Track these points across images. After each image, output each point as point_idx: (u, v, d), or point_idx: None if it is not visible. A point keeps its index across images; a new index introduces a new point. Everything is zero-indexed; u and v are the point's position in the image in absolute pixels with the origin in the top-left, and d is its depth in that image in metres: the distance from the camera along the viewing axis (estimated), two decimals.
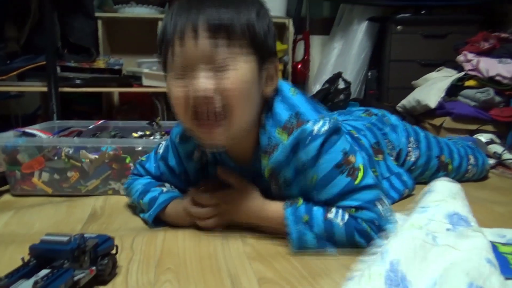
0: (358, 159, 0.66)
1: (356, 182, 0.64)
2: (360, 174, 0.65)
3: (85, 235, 0.53)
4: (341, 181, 0.64)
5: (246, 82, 0.61)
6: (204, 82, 0.59)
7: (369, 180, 0.65)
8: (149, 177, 0.82)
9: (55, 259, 0.50)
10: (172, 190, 0.79)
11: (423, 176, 1.05)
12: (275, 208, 0.68)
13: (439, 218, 0.56)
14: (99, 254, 0.53)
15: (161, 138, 1.12)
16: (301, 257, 0.63)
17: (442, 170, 1.05)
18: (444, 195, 0.61)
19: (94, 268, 0.52)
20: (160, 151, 0.82)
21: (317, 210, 0.65)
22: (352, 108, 1.21)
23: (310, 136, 0.63)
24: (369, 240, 0.62)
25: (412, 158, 1.01)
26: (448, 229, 0.54)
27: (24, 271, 0.48)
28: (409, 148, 1.01)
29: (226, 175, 0.72)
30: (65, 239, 0.50)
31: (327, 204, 0.66)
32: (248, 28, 0.60)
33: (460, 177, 1.08)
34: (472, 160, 1.09)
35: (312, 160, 0.64)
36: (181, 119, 0.65)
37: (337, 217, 0.63)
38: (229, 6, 0.60)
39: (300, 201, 0.67)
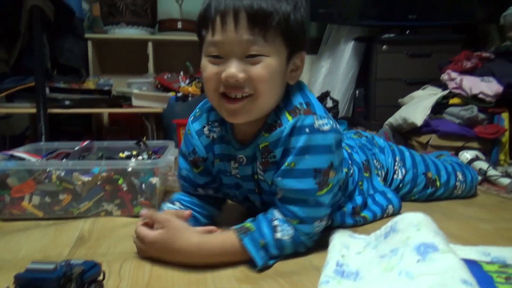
0: (335, 178, 0.71)
1: (318, 193, 0.69)
2: (325, 190, 0.69)
3: (71, 262, 0.53)
4: (309, 183, 0.68)
5: (274, 73, 0.65)
6: (236, 71, 0.63)
7: (327, 199, 0.70)
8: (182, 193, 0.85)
9: (41, 287, 0.49)
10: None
11: (412, 193, 1.07)
12: (222, 240, 0.67)
13: (408, 254, 0.58)
14: (85, 281, 0.53)
15: (149, 158, 1.12)
16: (289, 276, 0.63)
17: (430, 186, 1.07)
18: (408, 232, 0.64)
19: None
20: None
21: (267, 232, 0.67)
22: (342, 130, 1.25)
23: (309, 127, 0.67)
24: (306, 249, 0.72)
25: (399, 176, 1.04)
26: (418, 261, 0.56)
27: None
28: (396, 167, 1.04)
29: (152, 216, 0.70)
30: (51, 267, 0.49)
31: (280, 197, 0.70)
32: (285, 20, 0.64)
33: (449, 194, 1.10)
34: (460, 177, 1.11)
35: (300, 149, 0.67)
36: (209, 95, 0.70)
37: (284, 234, 0.68)
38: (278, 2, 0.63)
39: (249, 225, 0.68)
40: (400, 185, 1.05)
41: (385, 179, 1.02)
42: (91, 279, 0.54)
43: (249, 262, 0.66)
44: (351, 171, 0.88)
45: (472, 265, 0.60)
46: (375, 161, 1.00)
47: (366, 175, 0.94)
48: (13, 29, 1.61)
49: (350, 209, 0.87)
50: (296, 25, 0.66)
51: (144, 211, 0.70)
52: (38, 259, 0.71)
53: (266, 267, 0.66)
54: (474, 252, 0.71)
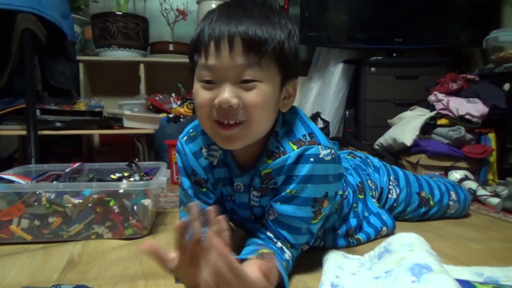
0: (327, 208, 0.72)
1: (313, 221, 0.70)
2: (318, 218, 0.71)
3: (61, 287, 0.52)
4: (307, 211, 0.69)
5: (268, 100, 0.65)
6: (230, 96, 0.62)
7: (317, 227, 0.73)
8: None
9: None
10: None
11: (405, 212, 1.08)
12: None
13: (402, 274, 0.59)
14: None
15: (140, 179, 1.12)
16: None
17: (424, 205, 1.08)
18: (402, 253, 0.65)
19: None
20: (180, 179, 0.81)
21: (281, 254, 0.68)
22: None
23: (314, 156, 0.67)
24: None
25: (393, 195, 1.06)
26: (413, 281, 0.56)
27: None
28: (390, 186, 1.05)
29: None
30: None
31: (273, 219, 0.70)
32: (279, 47, 0.64)
33: (443, 213, 1.12)
34: (453, 196, 1.12)
35: (303, 178, 0.67)
36: (202, 122, 0.68)
37: (288, 256, 0.69)
38: (267, 24, 0.63)
39: (266, 250, 0.65)
40: (394, 204, 1.06)
41: (379, 199, 1.03)
42: None
43: None
44: (346, 193, 0.89)
45: (466, 286, 0.60)
46: (369, 181, 1.01)
47: (361, 197, 0.94)
48: (4, 51, 1.61)
49: (343, 231, 0.87)
50: (290, 53, 0.66)
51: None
52: (26, 284, 0.69)
53: None
54: (467, 273, 0.72)
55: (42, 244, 0.92)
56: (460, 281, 0.58)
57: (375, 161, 1.10)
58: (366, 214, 0.94)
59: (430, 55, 2.34)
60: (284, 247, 0.70)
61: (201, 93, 0.65)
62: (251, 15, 0.63)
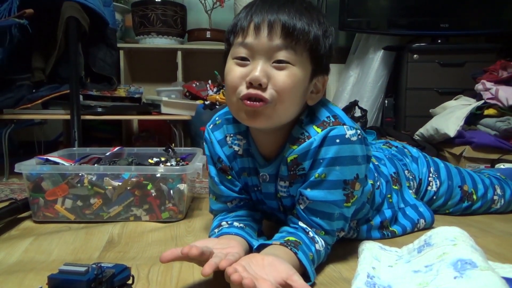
0: (359, 191, 0.71)
1: (345, 204, 0.69)
2: (351, 201, 0.70)
3: (102, 265, 0.54)
4: (339, 194, 0.68)
5: (297, 84, 0.65)
6: (261, 76, 0.63)
7: (350, 211, 0.71)
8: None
9: None
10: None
11: (446, 206, 1.03)
12: (285, 255, 0.62)
13: (444, 270, 0.57)
14: (115, 285, 0.54)
15: (177, 164, 1.13)
16: (317, 286, 0.62)
17: (466, 199, 1.04)
18: (444, 247, 0.63)
19: None
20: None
21: (310, 244, 0.67)
22: (372, 140, 1.23)
23: (340, 137, 0.66)
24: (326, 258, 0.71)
25: (433, 188, 1.01)
26: (455, 277, 0.54)
27: None
28: (430, 178, 1.01)
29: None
30: (83, 269, 0.51)
31: (305, 208, 0.69)
32: (314, 40, 0.65)
33: (487, 208, 1.06)
34: (498, 190, 1.07)
35: (330, 160, 0.66)
36: (229, 98, 0.68)
37: (320, 245, 0.68)
38: (305, 17, 0.65)
39: (293, 238, 0.66)
40: (434, 197, 1.01)
41: (418, 190, 0.99)
42: (120, 282, 0.55)
43: None
44: (378, 183, 0.86)
45: None
46: (406, 171, 0.97)
47: (396, 187, 0.91)
48: (50, 40, 1.68)
49: (378, 223, 0.85)
50: (323, 49, 0.67)
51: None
52: (69, 261, 0.73)
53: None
54: None
55: (84, 224, 0.96)
56: (507, 280, 0.55)
57: (413, 151, 1.05)
58: (402, 205, 0.91)
59: (478, 41, 2.21)
60: (316, 236, 0.68)
61: (233, 70, 0.66)
62: (292, 5, 0.65)
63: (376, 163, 0.91)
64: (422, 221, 0.91)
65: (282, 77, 0.64)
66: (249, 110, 0.65)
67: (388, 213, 0.87)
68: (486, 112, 1.67)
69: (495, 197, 1.06)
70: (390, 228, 0.87)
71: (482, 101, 1.70)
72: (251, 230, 0.75)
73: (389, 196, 0.88)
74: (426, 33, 2.19)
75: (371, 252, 0.72)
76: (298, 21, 0.64)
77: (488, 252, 0.75)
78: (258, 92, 0.63)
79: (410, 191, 0.95)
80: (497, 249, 0.81)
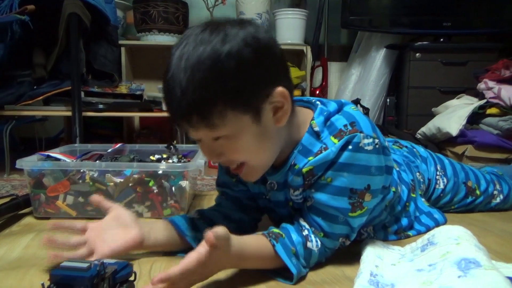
0: (371, 203, 0.68)
1: (350, 213, 0.66)
2: (358, 212, 0.67)
3: (104, 262, 0.53)
4: (343, 201, 0.66)
5: (245, 144, 0.62)
6: (212, 157, 0.65)
7: (357, 222, 0.68)
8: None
9: (75, 285, 0.49)
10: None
11: (452, 202, 1.03)
12: (256, 242, 0.64)
13: (448, 269, 0.56)
14: (117, 281, 0.53)
15: (179, 161, 1.13)
16: (321, 285, 0.62)
17: (470, 195, 1.04)
18: (447, 246, 0.62)
19: None
20: None
21: (297, 239, 0.66)
22: None
23: (353, 144, 0.64)
24: (325, 260, 0.70)
25: (440, 185, 1.01)
26: (459, 276, 0.53)
27: None
28: (437, 177, 1.01)
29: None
30: (85, 265, 0.50)
31: (309, 206, 0.68)
32: (227, 98, 0.58)
33: (487, 202, 1.07)
34: (497, 186, 1.08)
35: (339, 165, 0.64)
36: None
37: (313, 244, 0.66)
38: (203, 86, 0.57)
39: (277, 230, 0.66)
40: (441, 194, 1.01)
41: (426, 190, 0.99)
42: (123, 279, 0.54)
43: (283, 274, 0.64)
44: (399, 190, 0.83)
45: None
46: (417, 174, 0.95)
47: (413, 195, 0.89)
48: (51, 36, 1.68)
49: (394, 230, 0.84)
50: (243, 90, 0.58)
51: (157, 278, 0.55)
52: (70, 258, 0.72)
53: (300, 276, 0.64)
54: None
55: (86, 220, 0.95)
56: (511, 279, 0.55)
57: (421, 150, 1.04)
58: (417, 214, 0.89)
59: (481, 40, 2.20)
60: (312, 235, 0.67)
61: (200, 147, 0.67)
62: (181, 89, 0.58)
63: (397, 168, 0.88)
64: (435, 227, 0.90)
65: (228, 150, 0.63)
66: (235, 173, 0.68)
67: (404, 221, 0.85)
68: (489, 111, 1.67)
69: (495, 192, 1.07)
70: (405, 233, 0.86)
71: (485, 100, 1.69)
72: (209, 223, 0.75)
73: (407, 204, 0.86)
74: (428, 31, 2.18)
75: (374, 250, 0.72)
76: (196, 98, 0.57)
77: (490, 252, 0.74)
78: (227, 164, 0.66)
79: (422, 199, 0.94)
80: (499, 248, 0.81)
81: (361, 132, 0.65)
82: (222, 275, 0.63)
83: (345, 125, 0.66)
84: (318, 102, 0.72)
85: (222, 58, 0.57)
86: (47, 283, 0.50)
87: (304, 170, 0.67)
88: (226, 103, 0.58)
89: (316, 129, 0.67)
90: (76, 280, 0.49)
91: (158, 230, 0.72)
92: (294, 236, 0.66)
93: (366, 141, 0.64)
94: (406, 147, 1.03)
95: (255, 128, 0.62)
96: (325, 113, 0.68)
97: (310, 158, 0.67)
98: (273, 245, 0.63)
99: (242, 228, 0.77)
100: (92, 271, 0.50)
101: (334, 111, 0.69)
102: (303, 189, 0.70)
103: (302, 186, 0.69)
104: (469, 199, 1.04)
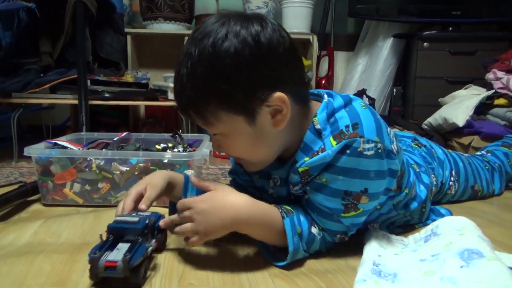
0: (367, 205, 0.67)
1: (344, 214, 0.66)
2: (352, 214, 0.66)
3: (143, 214, 0.64)
4: (336, 203, 0.65)
5: (242, 143, 0.65)
6: (213, 146, 0.69)
7: (350, 221, 0.67)
8: None
9: (127, 235, 0.59)
10: None
11: (451, 199, 1.05)
12: (267, 208, 0.65)
13: (451, 259, 0.56)
14: (156, 229, 0.65)
15: (184, 150, 1.14)
16: (324, 274, 0.62)
17: (474, 196, 1.08)
18: (451, 237, 0.63)
19: (155, 240, 0.64)
20: None
21: (304, 222, 0.66)
22: (398, 132, 1.16)
23: (351, 149, 0.62)
24: (325, 250, 0.70)
25: (452, 191, 1.02)
26: (462, 266, 0.54)
27: (106, 246, 0.58)
28: (451, 182, 1.00)
29: (198, 182, 0.67)
30: (136, 219, 0.61)
31: (307, 200, 0.69)
32: (220, 98, 0.60)
33: (484, 195, 1.11)
34: (494, 185, 1.13)
35: (336, 169, 0.63)
36: None
37: (316, 232, 0.67)
38: (198, 85, 0.60)
39: (289, 208, 0.67)
40: (450, 199, 1.04)
41: (437, 193, 0.98)
42: (158, 228, 0.66)
43: (278, 256, 0.65)
44: (413, 191, 0.80)
45: None
46: (432, 176, 0.93)
47: (430, 197, 0.87)
48: (58, 24, 1.68)
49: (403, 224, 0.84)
50: (238, 94, 0.59)
51: (192, 178, 0.69)
52: (78, 243, 0.74)
53: (295, 258, 0.64)
54: None
55: (92, 208, 0.97)
56: None
57: (439, 152, 1.01)
58: (432, 216, 0.88)
59: (490, 29, 2.17)
60: (313, 226, 0.68)
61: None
62: (182, 84, 0.61)
63: (418, 170, 0.87)
64: None
65: (225, 146, 0.67)
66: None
67: (415, 220, 0.84)
68: (496, 101, 1.65)
69: (491, 191, 1.11)
70: (413, 226, 0.85)
71: (493, 91, 1.67)
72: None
73: (424, 205, 0.83)
74: (437, 20, 2.15)
75: (377, 240, 0.72)
76: (194, 96, 0.60)
77: (495, 243, 0.74)
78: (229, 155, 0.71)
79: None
80: (504, 239, 0.81)
81: (361, 136, 0.62)
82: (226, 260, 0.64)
83: (346, 126, 0.63)
84: (325, 95, 0.70)
85: (219, 58, 0.58)
86: (104, 234, 0.60)
87: (300, 170, 0.66)
88: (218, 103, 0.60)
89: (318, 126, 0.66)
90: (130, 230, 0.59)
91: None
92: (302, 218, 0.67)
93: (366, 146, 0.62)
94: (425, 146, 1.00)
95: (250, 129, 0.63)
96: (329, 108, 0.66)
97: (307, 158, 0.65)
98: (283, 218, 0.64)
99: None
100: (142, 223, 0.60)
101: (339, 107, 0.66)
102: (301, 185, 0.70)
103: (300, 183, 0.69)
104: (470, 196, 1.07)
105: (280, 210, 0.65)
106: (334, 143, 0.63)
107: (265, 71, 0.60)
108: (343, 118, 0.64)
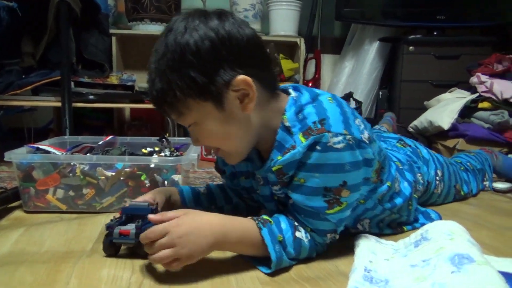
0: (350, 198, 0.67)
1: (328, 211, 0.66)
2: (337, 209, 0.66)
3: (143, 203, 0.72)
4: (318, 201, 0.65)
5: (214, 129, 0.66)
6: (192, 141, 0.72)
7: (336, 217, 0.67)
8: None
9: (138, 217, 0.69)
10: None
11: (438, 199, 1.06)
12: (242, 224, 0.65)
13: (442, 264, 0.56)
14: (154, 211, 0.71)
15: (171, 154, 1.12)
16: (315, 281, 0.62)
17: (457, 196, 1.10)
18: (441, 242, 0.63)
19: None
20: None
21: (286, 228, 0.66)
22: (384, 134, 1.20)
23: (321, 145, 0.63)
24: (315, 254, 0.70)
25: (438, 190, 1.03)
26: (453, 272, 0.54)
27: (120, 222, 0.69)
28: (437, 182, 1.01)
29: (161, 216, 0.63)
30: (146, 204, 0.70)
31: (292, 204, 0.69)
32: (185, 85, 0.62)
33: (465, 194, 1.14)
34: (471, 185, 1.17)
35: (310, 166, 0.64)
36: None
37: (302, 235, 0.67)
38: (165, 76, 0.62)
39: (267, 217, 0.67)
40: (437, 199, 1.05)
41: (424, 193, 0.99)
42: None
43: (266, 263, 0.65)
44: (397, 186, 0.81)
45: (510, 279, 0.57)
46: (418, 175, 0.94)
47: (415, 196, 0.88)
48: (41, 24, 1.63)
49: (392, 223, 0.84)
50: (199, 79, 0.61)
51: (151, 216, 0.63)
52: (62, 252, 0.71)
53: (280, 266, 0.64)
54: (510, 264, 0.68)
55: (76, 214, 0.94)
56: (503, 274, 0.55)
57: (424, 152, 1.02)
58: (416, 213, 0.89)
59: (474, 33, 2.20)
60: (301, 226, 0.68)
61: None
62: (152, 79, 0.64)
63: (401, 167, 0.88)
64: None
65: (200, 137, 0.68)
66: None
67: (404, 218, 0.84)
68: (481, 105, 1.68)
69: (469, 191, 1.15)
70: (401, 227, 0.85)
71: (477, 94, 1.70)
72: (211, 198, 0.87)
73: (410, 202, 0.84)
74: (422, 24, 2.18)
75: (367, 245, 0.72)
76: (160, 87, 0.63)
77: (482, 246, 0.75)
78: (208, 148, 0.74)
79: (416, 204, 0.92)
80: (491, 242, 0.81)
81: (329, 131, 0.63)
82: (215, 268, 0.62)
83: (314, 122, 0.64)
84: (291, 90, 0.71)
85: (181, 48, 0.61)
86: (118, 215, 0.71)
87: (274, 168, 0.68)
88: (184, 92, 0.62)
89: (287, 124, 0.67)
90: (140, 210, 0.69)
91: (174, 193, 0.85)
92: (284, 225, 0.66)
93: (335, 139, 0.63)
94: (410, 146, 1.01)
95: (219, 114, 0.64)
96: (297, 104, 0.68)
97: (279, 157, 0.67)
98: (260, 228, 0.64)
99: (238, 213, 0.82)
100: (149, 208, 0.70)
101: (306, 102, 0.67)
102: (280, 186, 0.70)
103: (278, 183, 0.70)
104: (454, 197, 1.10)
105: (256, 222, 0.65)
106: (303, 139, 0.64)
107: (225, 55, 0.62)
108: (310, 114, 0.66)
